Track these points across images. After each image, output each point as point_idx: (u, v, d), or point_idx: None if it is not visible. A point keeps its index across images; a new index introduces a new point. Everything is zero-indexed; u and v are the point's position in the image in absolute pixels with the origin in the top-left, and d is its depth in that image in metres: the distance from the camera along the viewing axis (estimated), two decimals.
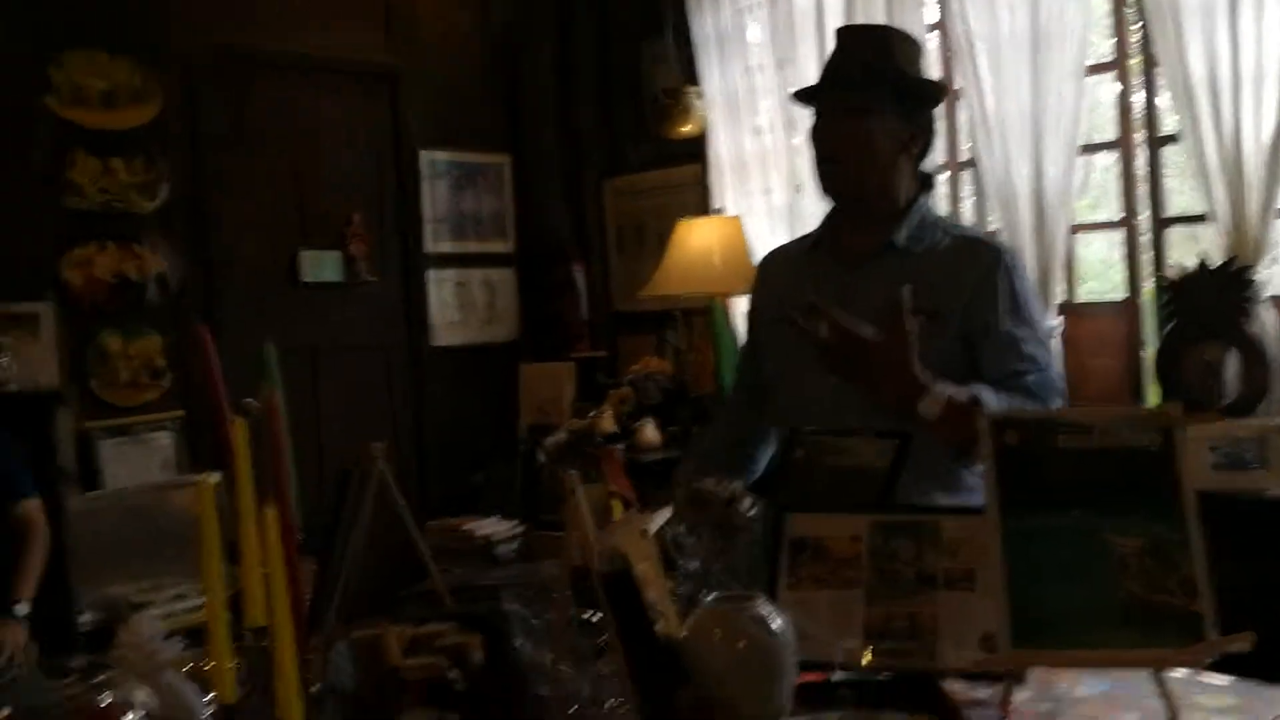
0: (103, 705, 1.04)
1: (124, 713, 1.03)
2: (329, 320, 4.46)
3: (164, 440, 3.85)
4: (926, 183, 2.10)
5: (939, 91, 2.14)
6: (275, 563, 1.08)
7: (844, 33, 2.14)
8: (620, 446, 4.02)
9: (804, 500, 1.65)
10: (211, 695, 1.12)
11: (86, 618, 3.18)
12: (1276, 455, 2.93)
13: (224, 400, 1.30)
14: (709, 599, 1.28)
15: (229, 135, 4.24)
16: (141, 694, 1.06)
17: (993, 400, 1.80)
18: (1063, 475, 1.37)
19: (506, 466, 4.47)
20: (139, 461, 3.76)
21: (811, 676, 1.37)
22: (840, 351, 1.77)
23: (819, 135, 2.04)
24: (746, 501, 1.48)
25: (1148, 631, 1.28)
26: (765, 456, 2.24)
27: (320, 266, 4.41)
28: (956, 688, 1.36)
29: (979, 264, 1.98)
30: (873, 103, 1.98)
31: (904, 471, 1.60)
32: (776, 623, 1.24)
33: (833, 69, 2.06)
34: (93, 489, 3.59)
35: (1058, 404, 1.95)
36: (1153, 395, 3.52)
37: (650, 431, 4.15)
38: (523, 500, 4.25)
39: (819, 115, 2.06)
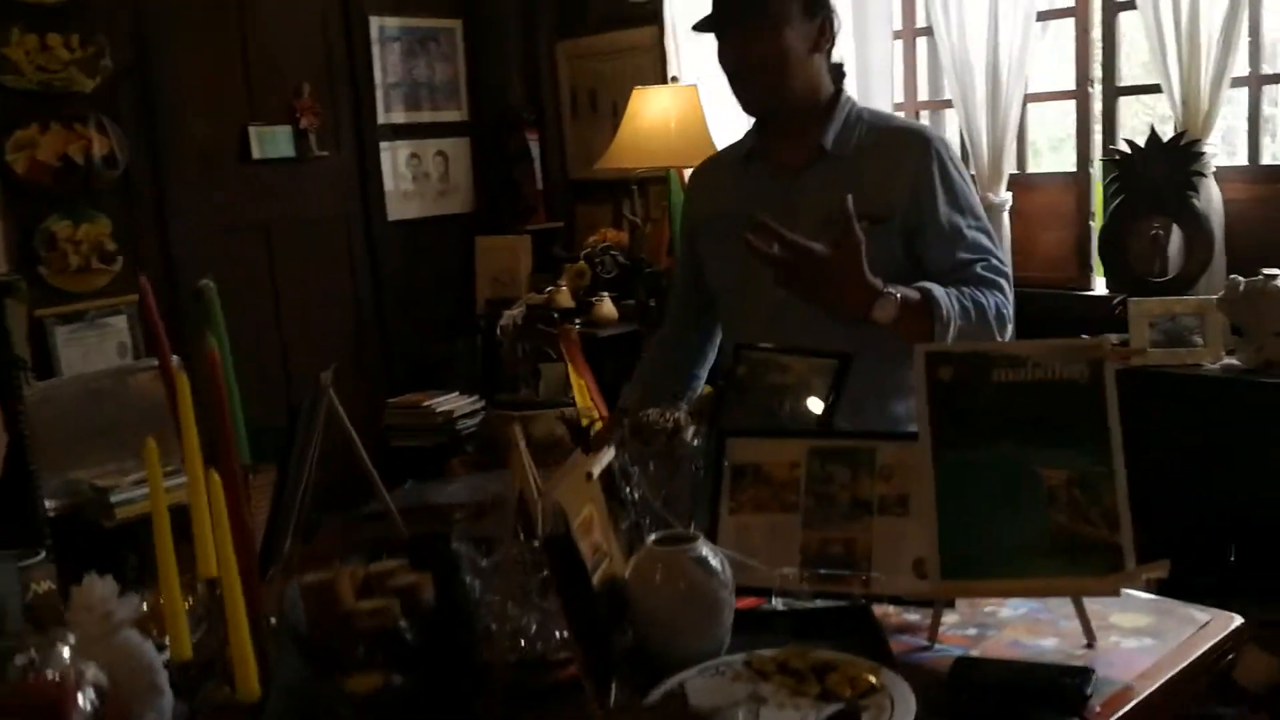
0: (53, 681, 1.05)
1: (77, 691, 1.03)
2: (282, 196, 4.39)
3: (120, 324, 3.82)
4: (839, 75, 2.08)
5: None
6: (222, 528, 1.11)
7: None
8: (577, 322, 4.05)
9: (744, 415, 1.71)
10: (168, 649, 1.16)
11: (51, 504, 3.21)
12: (1214, 331, 3.01)
13: (169, 356, 1.31)
14: (651, 539, 1.32)
15: (171, 6, 4.09)
16: (91, 670, 1.07)
17: (942, 295, 1.85)
18: (995, 408, 1.41)
19: (467, 340, 4.50)
20: (95, 347, 3.75)
21: (750, 601, 1.43)
22: (793, 268, 1.78)
23: (730, 55, 2.00)
24: (690, 430, 1.52)
25: (1072, 561, 1.34)
26: (708, 367, 2.29)
27: (271, 142, 4.32)
28: (889, 610, 1.43)
29: (911, 157, 1.99)
30: (779, 11, 1.95)
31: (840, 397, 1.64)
32: (715, 561, 1.30)
33: None
34: (50, 377, 3.58)
35: (1006, 289, 2.00)
36: (1099, 267, 3.57)
37: (607, 307, 4.17)
38: (482, 376, 4.30)
39: (724, 37, 2.01)
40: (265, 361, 4.21)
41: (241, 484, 1.20)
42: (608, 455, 1.38)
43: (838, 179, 1.96)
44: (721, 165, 2.26)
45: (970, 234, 1.99)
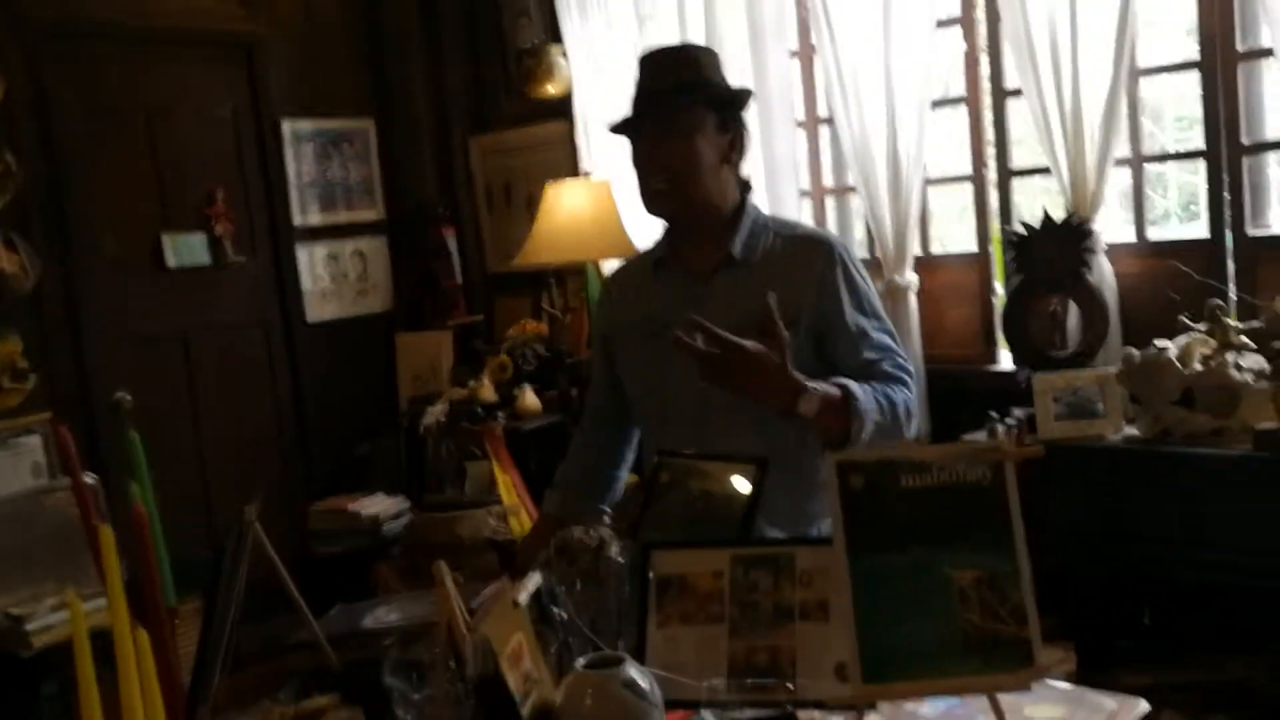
0: None
1: None
2: (198, 304, 4.39)
3: (33, 443, 3.76)
4: (746, 187, 2.17)
5: (747, 97, 2.18)
6: (150, 684, 1.12)
7: (648, 60, 2.14)
8: (501, 415, 4.07)
9: (666, 524, 1.75)
10: None
11: None
12: (1114, 402, 3.12)
13: (91, 510, 1.32)
14: (579, 662, 1.35)
15: (80, 116, 4.10)
16: None
17: (859, 390, 1.92)
18: (904, 513, 1.47)
19: (390, 438, 4.49)
20: (8, 468, 3.67)
21: (680, 716, 1.46)
22: (720, 362, 1.82)
23: (645, 159, 2.07)
24: (614, 548, 1.56)
25: (985, 659, 1.39)
26: (627, 467, 2.33)
27: (185, 250, 4.32)
28: (815, 715, 1.47)
29: (815, 262, 2.07)
30: (694, 120, 2.03)
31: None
32: (644, 683, 1.33)
33: (648, 94, 2.08)
34: None
35: (911, 385, 2.08)
36: (1004, 343, 3.69)
37: (530, 398, 4.20)
38: (406, 476, 4.29)
39: (639, 140, 2.08)
40: (184, 474, 4.17)
41: (170, 638, 1.21)
42: (534, 581, 1.41)
43: (746, 284, 2.03)
44: (632, 274, 2.31)
45: (876, 335, 2.07)
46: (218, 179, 4.44)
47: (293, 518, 4.25)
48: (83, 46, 4.11)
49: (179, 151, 4.36)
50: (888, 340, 2.09)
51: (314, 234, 4.74)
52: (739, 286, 2.06)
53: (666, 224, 2.19)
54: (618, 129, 2.13)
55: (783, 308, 1.95)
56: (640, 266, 2.27)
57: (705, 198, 2.08)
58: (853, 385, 1.93)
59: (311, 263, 4.72)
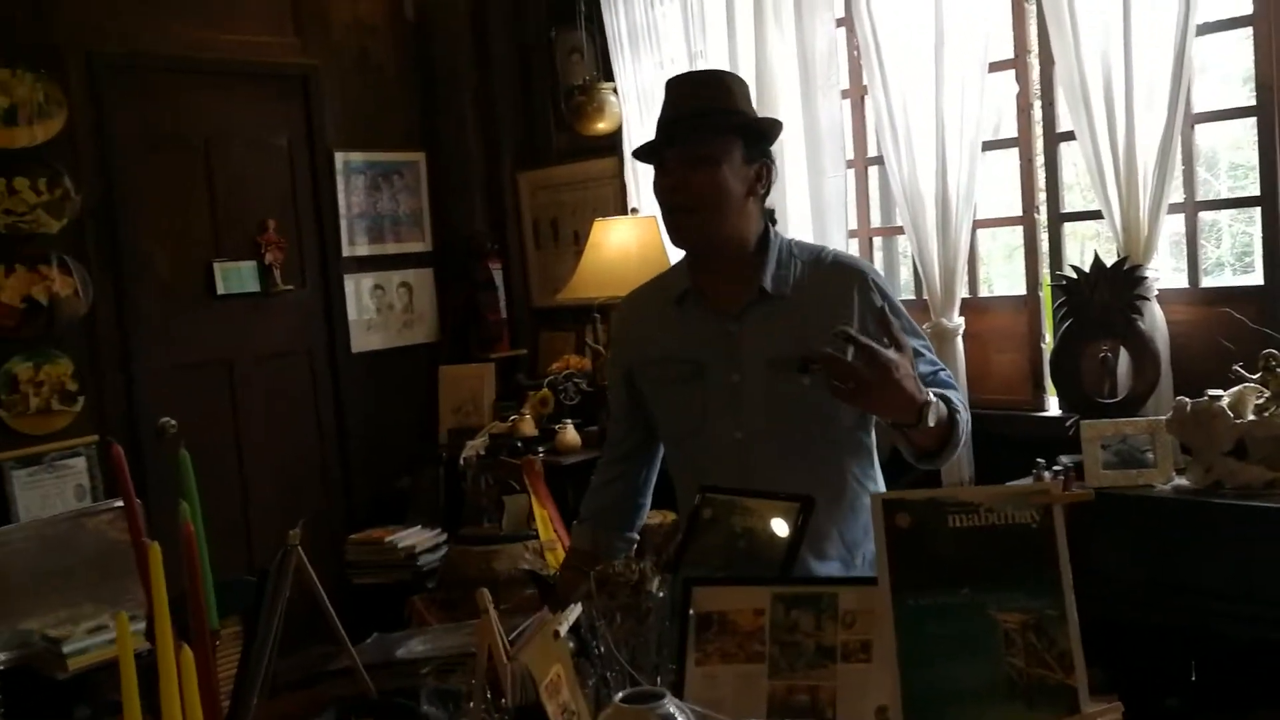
0: None
1: None
2: (246, 331, 4.44)
3: (79, 465, 3.81)
4: (770, 217, 2.13)
5: (778, 129, 2.14)
6: (193, 702, 1.12)
7: (676, 84, 2.10)
8: (541, 451, 4.07)
9: (708, 560, 1.73)
10: None
11: (1, 656, 3.15)
12: (1164, 452, 3.07)
13: (140, 528, 1.32)
14: (618, 696, 1.33)
15: (139, 145, 4.18)
16: None
17: (953, 397, 1.95)
18: (951, 553, 1.44)
19: (430, 470, 4.50)
20: (53, 489, 3.72)
21: None
22: (859, 376, 1.76)
23: (668, 188, 2.02)
24: (655, 582, 1.54)
25: (1029, 705, 1.36)
26: (650, 493, 2.31)
27: (235, 278, 4.37)
28: None
29: (850, 287, 2.06)
30: (720, 150, 1.99)
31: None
32: (681, 719, 1.31)
33: (673, 120, 2.02)
34: (5, 522, 3.54)
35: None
36: (1052, 388, 3.65)
37: (570, 434, 4.20)
38: (444, 508, 4.29)
39: (664, 168, 2.03)
40: (226, 500, 4.20)
41: (212, 659, 1.21)
42: (574, 612, 1.40)
43: (781, 319, 2.02)
44: (652, 306, 2.22)
45: (924, 350, 2.06)
46: (270, 208, 4.51)
47: (330, 546, 4.26)
48: (145, 79, 4.20)
49: (233, 181, 4.43)
50: (932, 354, 2.09)
51: (362, 264, 4.79)
52: (774, 321, 2.04)
53: (689, 256, 2.16)
54: (641, 155, 2.10)
55: (825, 339, 1.94)
56: (659, 298, 2.19)
57: (730, 231, 2.04)
58: (952, 397, 1.94)
59: (358, 293, 4.76)
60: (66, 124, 3.90)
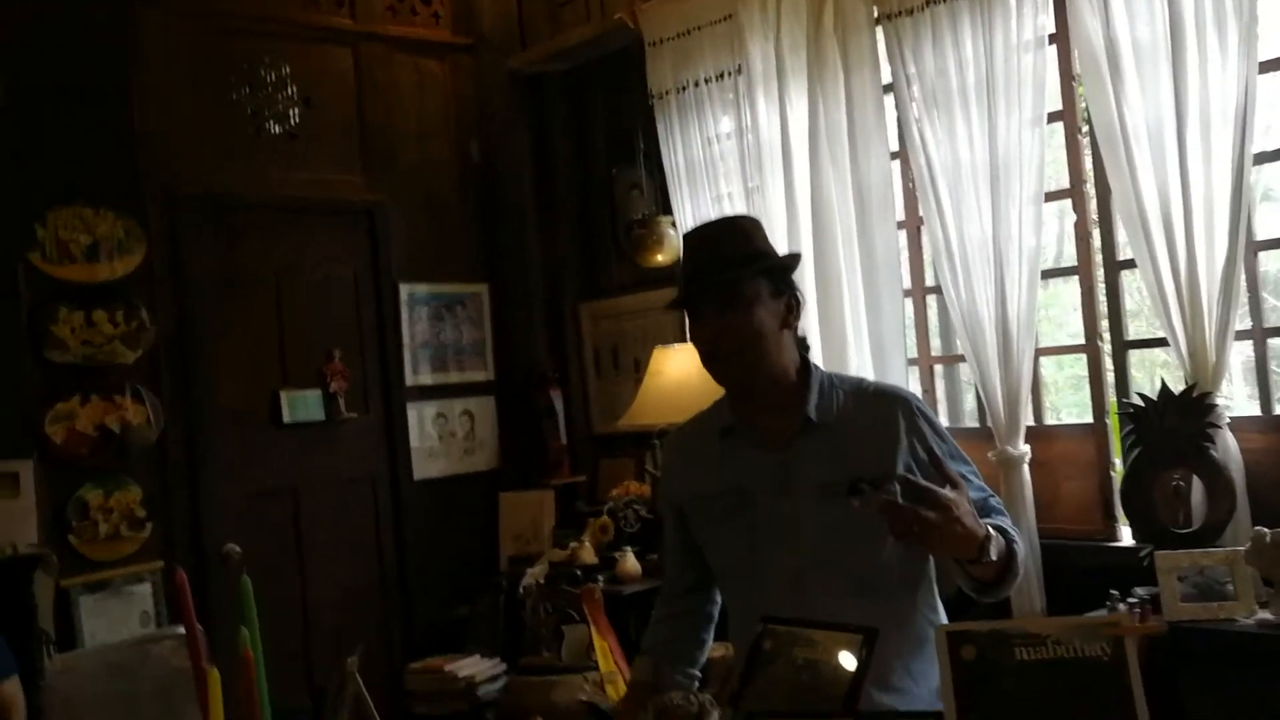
0: None
1: None
2: (310, 458, 4.50)
3: (144, 591, 3.85)
4: (804, 346, 2.15)
5: (796, 261, 2.21)
6: None
7: (695, 236, 2.15)
8: (600, 579, 4.03)
9: (770, 694, 1.69)
10: None
11: None
12: (1244, 584, 2.97)
13: (202, 653, 1.33)
14: None
15: (213, 279, 4.32)
16: None
17: (1009, 526, 1.93)
18: (1019, 687, 1.41)
19: (490, 598, 4.48)
20: (118, 615, 3.76)
21: None
22: (918, 518, 1.75)
23: (706, 336, 2.04)
24: (714, 715, 1.51)
25: None
26: (712, 629, 2.30)
27: (301, 406, 4.45)
28: None
29: (895, 415, 2.06)
30: (749, 292, 2.02)
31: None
32: None
33: (701, 270, 2.06)
34: (71, 647, 3.57)
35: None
36: (1123, 517, 3.56)
37: (630, 562, 4.16)
38: (503, 637, 4.26)
39: (699, 316, 2.05)
40: (286, 627, 4.21)
41: None
42: None
43: (828, 447, 2.03)
44: (697, 441, 2.23)
45: (972, 477, 2.04)
46: (336, 338, 4.61)
47: (390, 676, 4.23)
48: (220, 216, 4.36)
49: (301, 312, 4.55)
50: (981, 481, 2.06)
51: (425, 393, 4.86)
52: (822, 450, 2.04)
53: (731, 392, 2.16)
54: (675, 305, 2.13)
55: (870, 468, 1.92)
56: (704, 434, 2.20)
57: (772, 366, 2.06)
58: (1006, 526, 1.92)
59: (421, 420, 4.82)
60: (145, 259, 4.05)
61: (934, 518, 1.75)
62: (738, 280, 2.03)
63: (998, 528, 1.89)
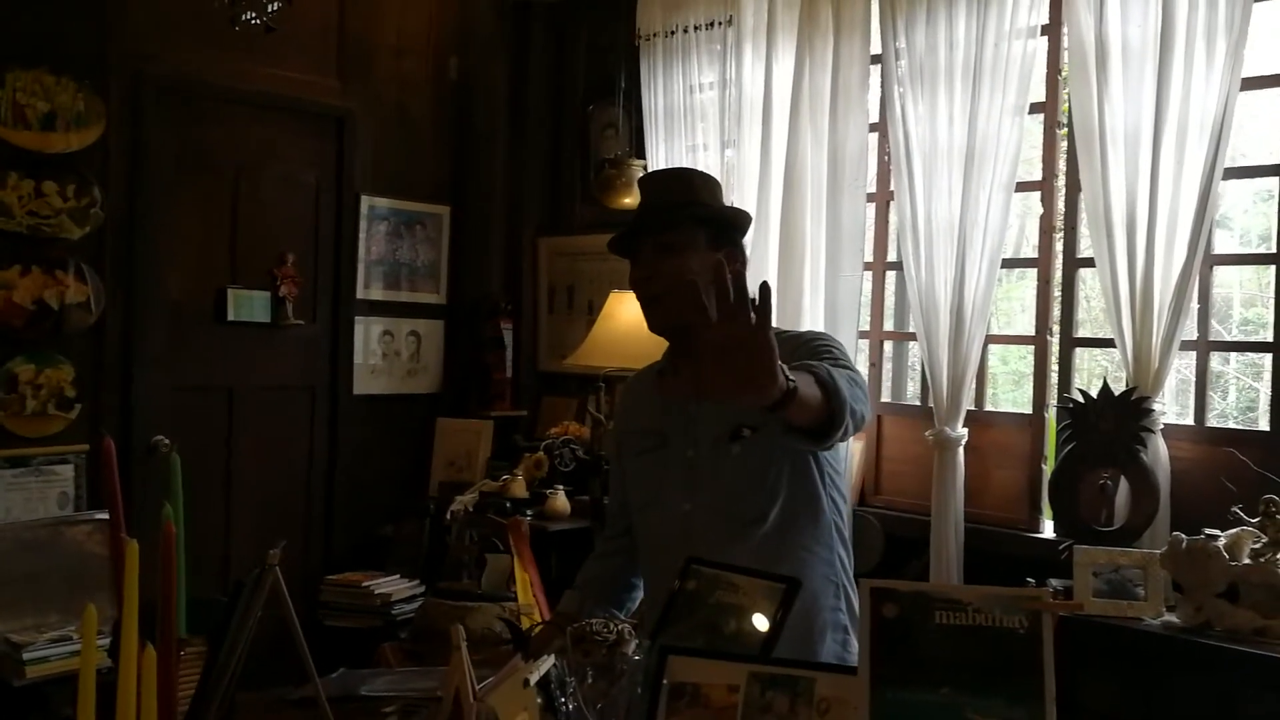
0: None
1: None
2: (250, 360, 4.43)
3: (66, 473, 3.78)
4: None
5: (743, 218, 2.23)
6: (149, 704, 1.09)
7: (647, 181, 2.24)
8: (529, 514, 4.03)
9: (687, 631, 1.70)
10: None
11: None
12: (1155, 586, 3.03)
13: (121, 523, 1.30)
14: None
15: (170, 165, 4.21)
16: None
17: (820, 368, 1.80)
18: (935, 650, 1.42)
19: (416, 522, 4.46)
20: (36, 493, 3.69)
21: None
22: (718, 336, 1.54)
23: (639, 277, 2.11)
24: (632, 645, 1.51)
25: None
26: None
27: (247, 306, 4.38)
28: None
29: (799, 352, 2.00)
30: (684, 238, 2.07)
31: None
32: None
33: (642, 214, 2.15)
34: None
35: (860, 395, 1.90)
36: (1048, 510, 3.62)
37: (561, 500, 4.17)
38: (425, 560, 4.25)
39: (636, 259, 2.12)
40: (208, 526, 4.16)
41: (175, 663, 1.18)
42: (547, 663, 1.37)
43: None
44: (642, 382, 2.34)
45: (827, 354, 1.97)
46: (291, 242, 4.53)
47: (306, 586, 4.21)
48: (186, 101, 4.25)
49: (258, 211, 4.46)
50: (846, 371, 1.91)
51: (374, 308, 4.80)
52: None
53: (664, 338, 2.19)
54: (615, 247, 2.19)
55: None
56: (649, 374, 2.32)
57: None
58: (813, 365, 1.80)
59: (367, 336, 4.77)
60: (102, 135, 3.94)
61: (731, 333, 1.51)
62: (671, 225, 2.07)
63: (810, 370, 1.76)
